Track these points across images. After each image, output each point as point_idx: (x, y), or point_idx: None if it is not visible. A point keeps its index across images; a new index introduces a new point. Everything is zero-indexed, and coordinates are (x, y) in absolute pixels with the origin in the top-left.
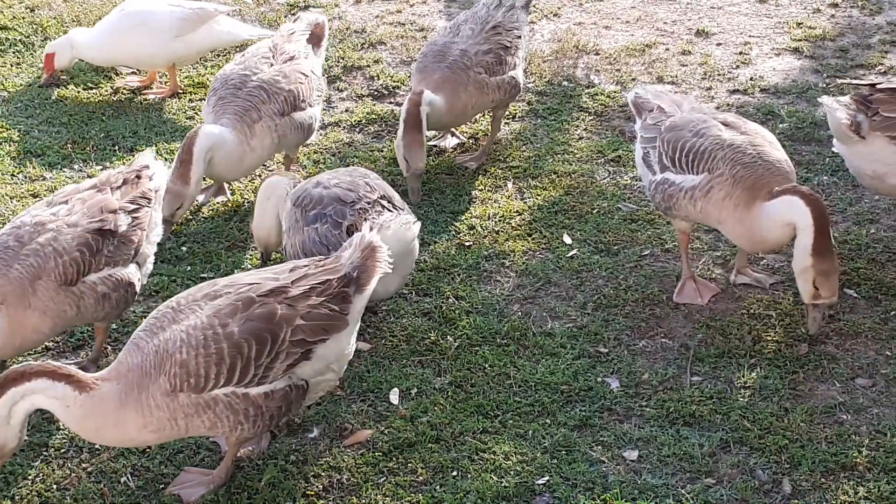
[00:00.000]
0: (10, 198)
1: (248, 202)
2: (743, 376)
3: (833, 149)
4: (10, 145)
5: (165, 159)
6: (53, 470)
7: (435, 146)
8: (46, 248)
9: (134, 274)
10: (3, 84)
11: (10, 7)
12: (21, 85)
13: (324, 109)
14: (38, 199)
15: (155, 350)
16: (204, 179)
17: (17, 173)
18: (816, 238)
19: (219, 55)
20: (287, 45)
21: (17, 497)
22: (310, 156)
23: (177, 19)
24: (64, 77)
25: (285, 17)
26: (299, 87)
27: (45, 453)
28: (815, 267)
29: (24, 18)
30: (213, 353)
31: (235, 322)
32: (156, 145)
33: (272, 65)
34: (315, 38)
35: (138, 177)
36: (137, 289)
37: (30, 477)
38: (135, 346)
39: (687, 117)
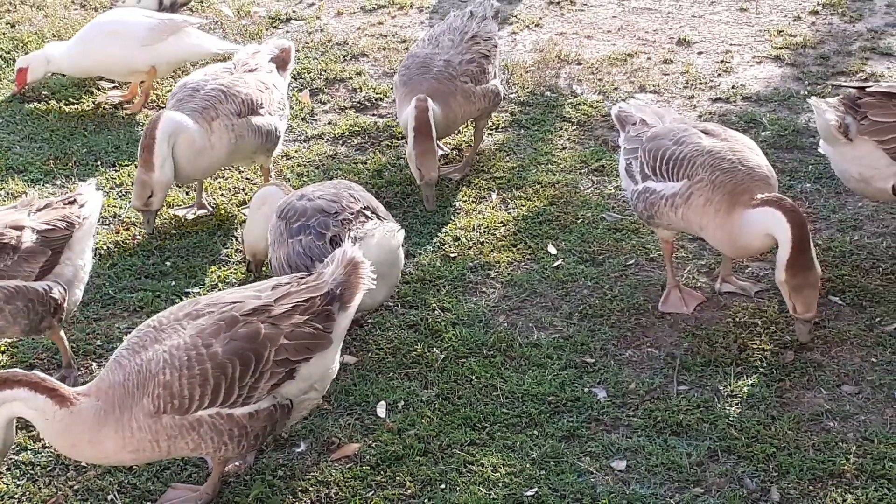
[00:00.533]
0: None
1: (231, 217)
2: (730, 385)
3: (819, 149)
4: None
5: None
6: (40, 488)
7: None
8: None
9: (45, 289)
10: None
11: None
12: (1, 101)
13: (306, 122)
14: None
15: (137, 369)
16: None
17: (0, 190)
18: (793, 254)
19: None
20: (249, 60)
21: None
22: (293, 169)
23: (146, 28)
24: (45, 93)
25: (266, 30)
26: (258, 93)
27: (31, 472)
28: (788, 282)
29: (3, 34)
30: (196, 374)
31: (219, 342)
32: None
33: (232, 74)
34: (281, 62)
35: (69, 202)
36: (59, 304)
37: (16, 496)
38: (117, 364)
39: (668, 127)
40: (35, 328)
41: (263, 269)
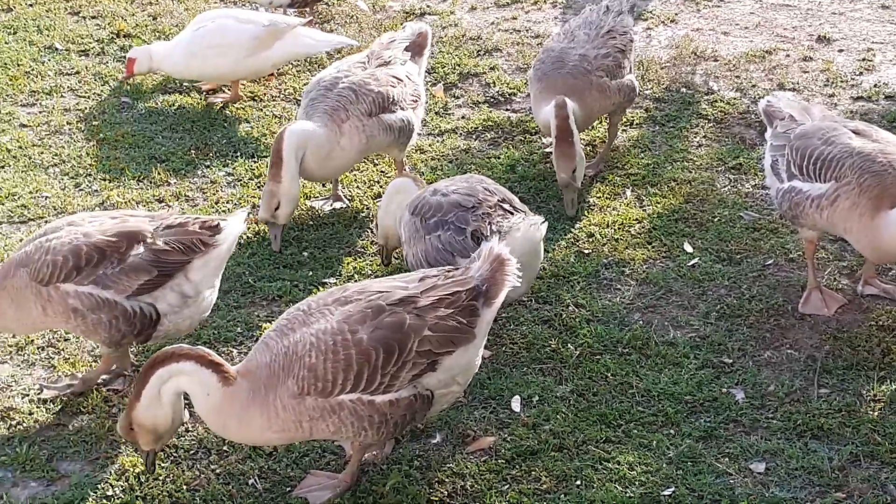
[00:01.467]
0: (137, 202)
1: (366, 209)
2: (872, 389)
3: None
4: (135, 151)
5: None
6: (183, 471)
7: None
8: (44, 246)
9: (134, 309)
10: (128, 91)
11: (132, 15)
12: (145, 92)
13: (440, 116)
14: (163, 203)
15: (284, 351)
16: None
17: (143, 178)
18: None
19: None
20: (384, 51)
21: (148, 497)
22: (427, 163)
23: (250, 37)
24: (186, 85)
25: (401, 24)
26: (390, 89)
27: (174, 455)
28: None
29: (146, 26)
30: (341, 358)
31: (365, 329)
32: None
33: (365, 69)
34: (417, 48)
35: (207, 226)
36: (145, 327)
37: (160, 478)
38: (264, 346)
39: (817, 125)
40: (116, 343)
41: (395, 256)
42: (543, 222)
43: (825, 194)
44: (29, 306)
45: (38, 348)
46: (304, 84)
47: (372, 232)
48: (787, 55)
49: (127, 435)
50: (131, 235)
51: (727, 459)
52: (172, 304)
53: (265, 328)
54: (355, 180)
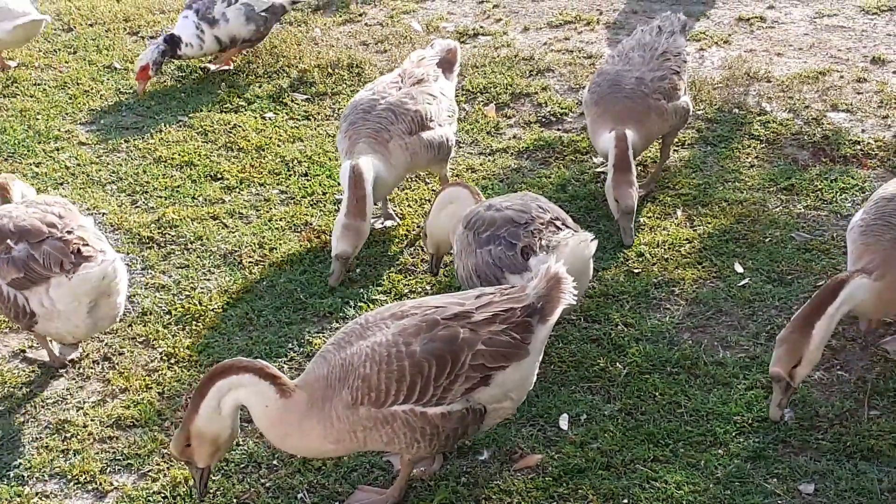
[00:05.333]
0: (192, 220)
1: (418, 227)
2: None
3: None
4: (190, 169)
5: (336, 183)
6: (234, 484)
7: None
8: None
9: (16, 297)
10: (183, 109)
11: None
12: (201, 110)
13: (492, 136)
14: (217, 220)
15: (341, 363)
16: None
17: (198, 196)
18: None
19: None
20: (416, 69)
21: None
22: (478, 182)
23: None
24: (241, 103)
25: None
26: (427, 107)
27: (225, 468)
28: None
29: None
30: (394, 369)
31: (418, 342)
32: (328, 168)
33: (400, 88)
34: (447, 64)
35: (76, 254)
36: (25, 317)
37: (211, 491)
38: (322, 359)
39: None
40: (16, 321)
41: (443, 266)
42: (593, 239)
43: None
44: None
45: (93, 362)
46: None
47: (422, 251)
48: (841, 76)
49: (182, 453)
50: (24, 231)
51: (776, 480)
52: (40, 308)
53: (317, 344)
54: (406, 199)
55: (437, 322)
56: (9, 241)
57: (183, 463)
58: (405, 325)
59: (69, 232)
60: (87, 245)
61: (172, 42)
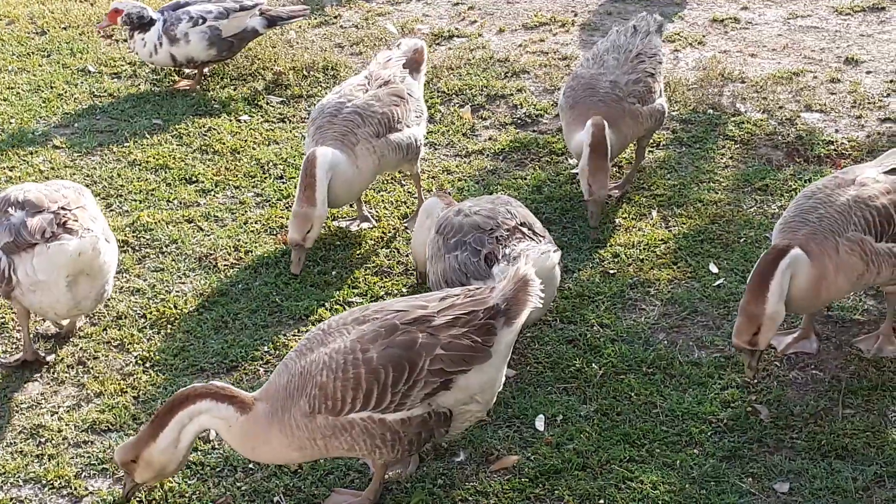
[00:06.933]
0: (167, 223)
1: (393, 229)
2: None
3: None
4: (165, 172)
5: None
6: (209, 488)
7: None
8: None
9: (1, 259)
10: (158, 112)
11: None
12: (176, 114)
13: (468, 137)
14: (192, 224)
15: (300, 372)
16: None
17: (173, 199)
18: None
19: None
20: (382, 71)
21: None
22: (454, 183)
23: None
24: (217, 106)
25: (430, 47)
26: (394, 109)
27: (201, 472)
28: None
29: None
30: (350, 377)
31: (376, 348)
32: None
33: (367, 91)
34: (414, 64)
35: (58, 226)
36: (6, 283)
37: (187, 495)
38: (284, 367)
39: None
40: None
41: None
42: (556, 251)
43: None
44: None
45: (67, 366)
46: None
47: (399, 252)
48: (815, 77)
49: (125, 465)
50: (27, 202)
51: (751, 479)
52: (24, 277)
53: (292, 347)
54: (382, 201)
55: (397, 327)
56: (10, 208)
57: (121, 469)
58: (365, 330)
59: (64, 208)
60: (77, 221)
61: (148, 23)
